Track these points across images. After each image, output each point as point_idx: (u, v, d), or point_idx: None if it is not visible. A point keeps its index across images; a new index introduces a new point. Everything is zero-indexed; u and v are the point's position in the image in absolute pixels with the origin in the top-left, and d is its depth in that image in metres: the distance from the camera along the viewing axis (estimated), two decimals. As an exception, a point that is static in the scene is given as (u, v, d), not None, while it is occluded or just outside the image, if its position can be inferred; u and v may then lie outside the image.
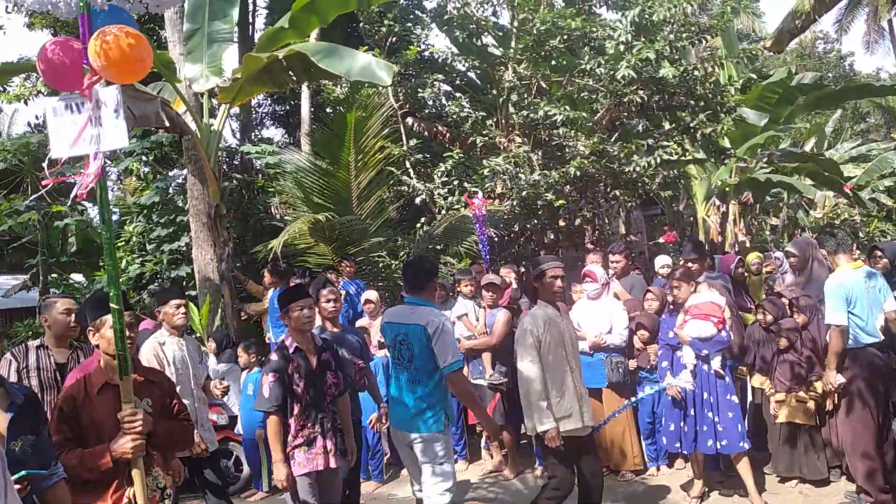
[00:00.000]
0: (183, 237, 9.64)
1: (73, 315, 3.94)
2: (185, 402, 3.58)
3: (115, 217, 14.55)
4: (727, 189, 13.91)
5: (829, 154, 18.60)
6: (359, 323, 6.85)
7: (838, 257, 4.74)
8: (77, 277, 13.70)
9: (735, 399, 4.91)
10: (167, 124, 6.70)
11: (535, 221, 9.81)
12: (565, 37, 9.05)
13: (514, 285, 6.91)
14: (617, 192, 9.56)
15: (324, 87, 10.35)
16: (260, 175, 10.88)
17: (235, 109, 7.89)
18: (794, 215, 19.26)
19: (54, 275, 11.66)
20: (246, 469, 6.31)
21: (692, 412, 4.86)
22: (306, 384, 3.80)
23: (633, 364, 5.60)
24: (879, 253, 5.46)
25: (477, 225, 7.56)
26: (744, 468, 4.75)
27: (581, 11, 9.46)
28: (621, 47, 8.86)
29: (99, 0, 2.52)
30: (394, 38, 10.44)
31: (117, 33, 2.40)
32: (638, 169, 8.85)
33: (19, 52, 40.19)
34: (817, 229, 15.19)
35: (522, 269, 8.08)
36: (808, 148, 18.41)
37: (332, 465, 3.84)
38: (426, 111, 10.97)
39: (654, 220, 15.47)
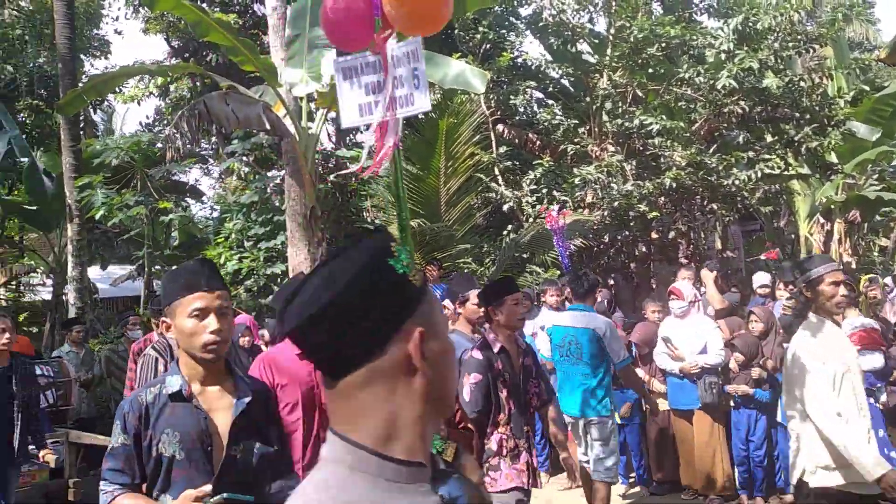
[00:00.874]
0: (279, 236, 9.98)
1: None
2: None
3: (215, 214, 15.30)
4: (833, 206, 13.16)
5: (949, 172, 17.29)
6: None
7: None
8: (176, 270, 14.46)
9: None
10: (268, 127, 6.95)
11: (627, 233, 9.61)
12: (663, 45, 8.84)
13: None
14: (714, 206, 9.24)
15: (417, 93, 10.49)
16: (353, 178, 11.14)
17: (332, 113, 8.12)
18: (907, 236, 18.02)
19: (157, 266, 12.34)
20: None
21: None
22: (510, 391, 3.40)
23: (733, 388, 5.35)
24: None
25: (555, 237, 7.49)
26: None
27: (681, 19, 9.23)
28: (722, 56, 8.56)
29: None
30: (487, 45, 10.49)
31: None
32: (737, 182, 8.53)
33: (135, 56, 42.94)
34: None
35: (612, 282, 7.92)
36: (924, 165, 17.18)
37: (535, 485, 3.49)
38: (517, 118, 10.95)
39: (752, 236, 14.85)
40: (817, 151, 9.05)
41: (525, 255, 9.42)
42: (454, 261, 9.20)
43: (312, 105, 8.12)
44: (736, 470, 5.48)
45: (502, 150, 10.44)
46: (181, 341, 2.11)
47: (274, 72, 7.48)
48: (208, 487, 1.90)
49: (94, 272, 14.10)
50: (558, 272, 8.52)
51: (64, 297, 12.70)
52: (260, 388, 2.25)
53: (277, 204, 10.16)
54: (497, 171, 10.29)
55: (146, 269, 11.04)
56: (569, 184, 9.25)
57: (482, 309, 3.68)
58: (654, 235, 9.78)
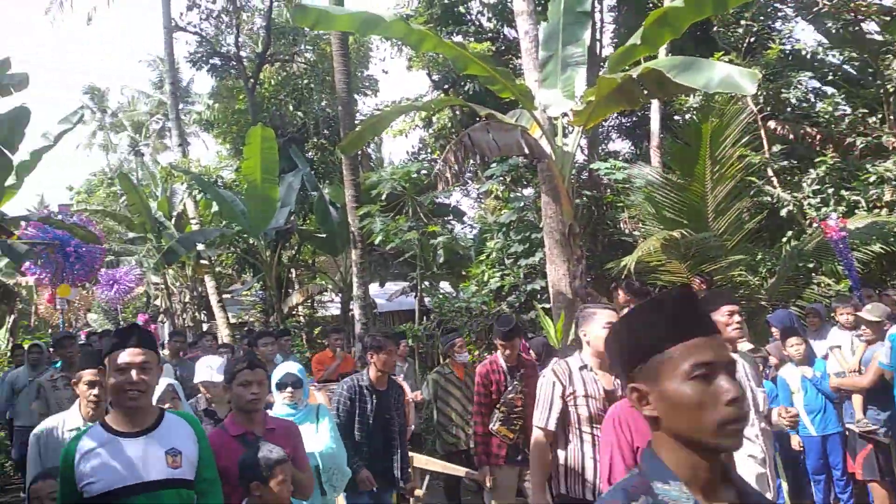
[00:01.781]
0: (538, 253, 10.14)
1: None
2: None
3: (475, 231, 16.04)
4: None
5: None
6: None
7: None
8: (444, 285, 15.38)
9: None
10: (526, 151, 7.11)
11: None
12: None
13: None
14: None
15: (675, 98, 10.02)
16: (608, 190, 10.95)
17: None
18: None
19: (426, 283, 13.25)
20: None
21: None
22: None
23: None
24: None
25: (837, 251, 6.61)
26: None
27: None
28: None
29: None
30: (751, 38, 9.65)
31: None
32: None
33: (399, 90, 46.93)
34: None
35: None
36: None
37: None
38: (790, 112, 9.92)
39: None
40: None
41: (810, 265, 8.46)
42: (725, 273, 8.56)
43: (564, 121, 8.14)
44: None
45: (775, 148, 9.50)
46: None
47: (529, 95, 7.64)
48: None
49: (373, 289, 15.57)
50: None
51: (350, 313, 14.21)
52: None
53: (535, 221, 10.35)
54: (770, 173, 9.40)
55: (419, 287, 11.89)
56: (860, 181, 8.13)
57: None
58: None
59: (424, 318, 12.06)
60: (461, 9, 14.06)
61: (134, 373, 2.55)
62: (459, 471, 5.63)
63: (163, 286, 20.64)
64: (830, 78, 9.70)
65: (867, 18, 8.87)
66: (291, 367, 3.96)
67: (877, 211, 7.96)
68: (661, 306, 1.41)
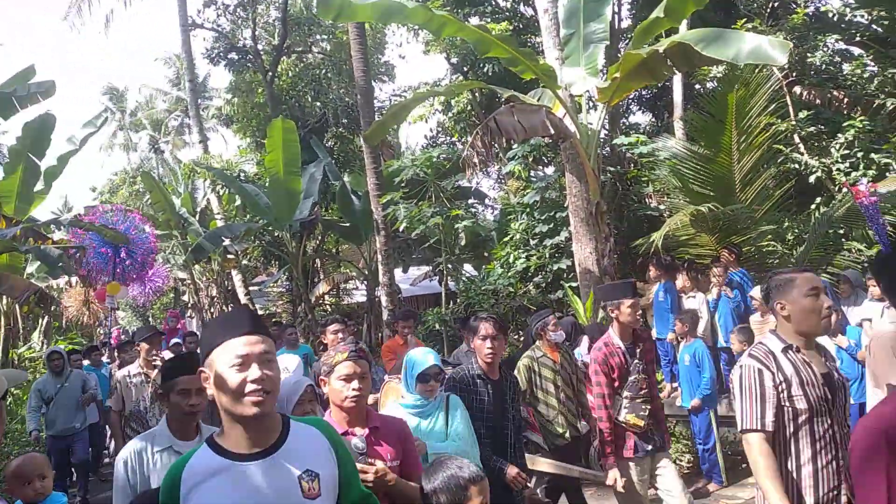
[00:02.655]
0: (562, 232, 10.13)
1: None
2: None
3: (495, 213, 16.05)
4: None
5: None
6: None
7: None
8: (468, 268, 15.42)
9: None
10: (552, 132, 7.09)
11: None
12: None
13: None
14: None
15: (698, 69, 9.90)
16: (632, 165, 10.88)
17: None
18: None
19: (449, 266, 13.30)
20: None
21: None
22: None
23: None
24: None
25: (868, 216, 6.52)
26: None
27: None
28: None
29: None
30: (775, 2, 9.49)
31: None
32: None
33: (415, 75, 46.75)
34: None
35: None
36: None
37: None
38: (815, 76, 9.77)
39: None
40: None
41: (840, 231, 8.37)
42: (754, 244, 8.50)
43: (585, 98, 8.11)
44: None
45: (802, 114, 9.38)
46: None
47: (552, 74, 7.61)
48: None
49: (397, 274, 15.66)
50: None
51: (376, 300, 14.31)
52: None
53: (558, 200, 10.32)
54: (797, 139, 9.28)
55: (444, 271, 11.94)
56: (890, 143, 8.01)
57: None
58: None
59: (451, 301, 12.11)
60: (478, -11, 13.97)
61: (255, 367, 1.90)
62: (573, 470, 4.95)
63: (189, 282, 20.88)
64: (858, 39, 9.52)
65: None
66: (430, 355, 3.43)
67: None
68: None
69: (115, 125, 38.48)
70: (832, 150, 8.66)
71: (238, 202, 16.72)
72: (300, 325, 14.43)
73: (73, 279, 15.94)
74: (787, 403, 2.68)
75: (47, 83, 9.29)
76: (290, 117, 15.16)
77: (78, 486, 8.04)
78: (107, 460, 9.77)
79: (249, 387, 1.86)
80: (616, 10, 14.74)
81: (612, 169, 10.53)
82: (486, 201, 16.61)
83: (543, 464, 4.85)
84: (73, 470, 8.10)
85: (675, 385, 7.47)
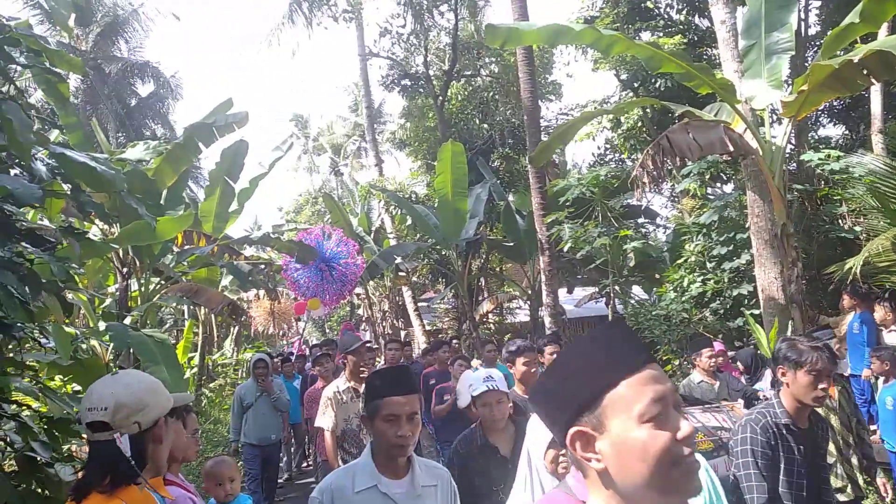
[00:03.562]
0: (743, 254, 9.49)
1: None
2: None
3: (667, 231, 15.39)
4: None
5: None
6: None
7: None
8: (636, 290, 14.88)
9: None
10: (731, 149, 6.68)
11: None
12: None
13: None
14: None
15: (902, 76, 8.90)
16: (823, 183, 9.98)
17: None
18: None
19: (616, 288, 12.92)
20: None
21: None
22: None
23: None
24: None
25: None
26: None
27: None
28: None
29: None
30: None
31: None
32: None
33: (582, 92, 46.39)
34: None
35: None
36: None
37: None
38: None
39: None
40: None
41: None
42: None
43: (767, 112, 7.56)
44: None
45: None
46: None
47: (731, 88, 7.19)
48: None
49: (561, 295, 15.48)
50: None
51: (539, 320, 14.22)
52: None
53: (739, 221, 9.69)
54: None
55: (611, 294, 11.62)
56: None
57: None
58: None
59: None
60: (648, 3, 13.58)
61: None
62: None
63: (364, 296, 22.02)
64: None
65: None
66: None
67: None
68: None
69: (299, 150, 41.74)
70: None
71: (409, 222, 17.42)
72: (465, 343, 14.71)
73: (261, 292, 17.36)
74: None
75: (241, 114, 10.22)
76: (459, 139, 15.60)
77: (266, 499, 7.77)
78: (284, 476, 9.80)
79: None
80: (803, 16, 13.68)
81: (799, 187, 9.74)
82: (658, 220, 16.01)
83: None
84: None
85: (873, 428, 6.71)
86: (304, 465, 10.76)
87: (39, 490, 2.70)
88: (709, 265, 10.05)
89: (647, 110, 12.77)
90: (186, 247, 10.65)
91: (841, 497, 4.00)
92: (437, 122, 18.56)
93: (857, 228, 9.33)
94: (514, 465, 2.70)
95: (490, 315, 19.04)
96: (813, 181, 10.12)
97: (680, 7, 13.60)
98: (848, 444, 4.26)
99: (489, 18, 19.34)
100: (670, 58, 6.78)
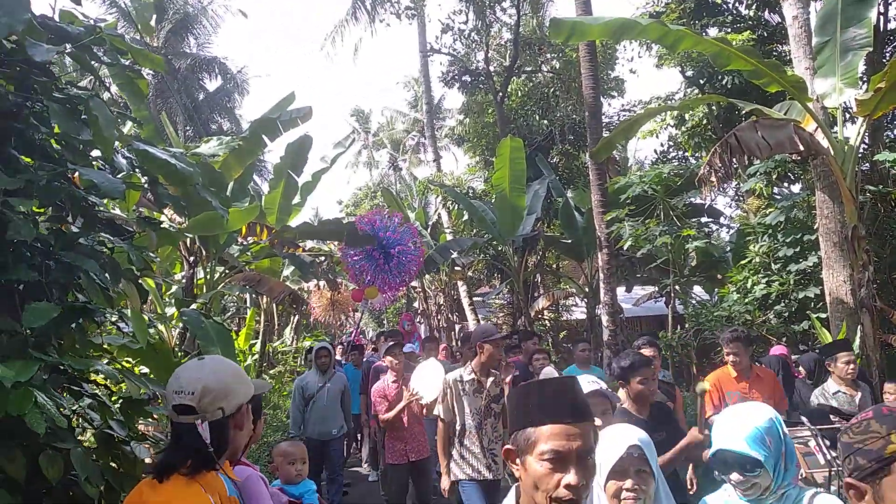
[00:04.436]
0: (810, 256, 9.21)
1: None
2: None
3: (730, 231, 15.02)
4: None
5: None
6: None
7: None
8: (697, 290, 14.56)
9: None
10: (801, 148, 6.48)
11: None
12: None
13: None
14: None
15: None
16: (897, 184, 9.59)
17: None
18: None
19: (677, 288, 12.67)
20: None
21: None
22: None
23: None
24: None
25: None
26: None
27: None
28: None
29: None
30: None
31: None
32: None
33: (645, 89, 45.55)
34: None
35: None
36: None
37: None
38: None
39: None
40: None
41: None
42: None
43: (839, 111, 7.31)
44: None
45: None
46: None
47: (802, 86, 6.98)
48: None
49: (619, 293, 15.27)
50: None
51: (596, 318, 14.07)
52: None
53: (807, 222, 9.40)
54: None
55: (672, 293, 11.40)
56: None
57: None
58: None
59: (678, 325, 11.52)
60: (717, -2, 13.28)
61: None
62: None
63: (420, 290, 22.20)
64: None
65: None
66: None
67: None
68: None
69: (359, 145, 42.26)
70: None
71: (466, 217, 17.47)
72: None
73: (321, 283, 17.69)
74: None
75: (305, 108, 10.40)
76: (518, 135, 15.54)
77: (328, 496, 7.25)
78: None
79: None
80: (882, 10, 13.10)
81: (872, 188, 9.37)
82: (721, 220, 15.61)
83: None
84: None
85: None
86: (353, 447, 10.78)
87: (115, 466, 2.85)
88: (774, 267, 9.79)
89: (713, 108, 12.46)
90: (249, 238, 10.94)
91: None
92: (496, 118, 18.53)
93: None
94: None
95: (545, 312, 18.93)
96: (887, 182, 9.73)
97: (749, 2, 13.21)
98: None
99: (551, 14, 19.14)
100: (739, 54, 6.62)
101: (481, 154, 19.55)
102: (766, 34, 12.76)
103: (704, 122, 12.68)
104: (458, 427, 4.80)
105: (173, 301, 8.74)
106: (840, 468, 1.99)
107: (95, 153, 2.96)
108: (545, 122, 18.32)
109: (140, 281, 3.32)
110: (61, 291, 2.76)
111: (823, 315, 8.30)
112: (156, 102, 22.97)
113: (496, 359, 4.85)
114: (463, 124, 20.83)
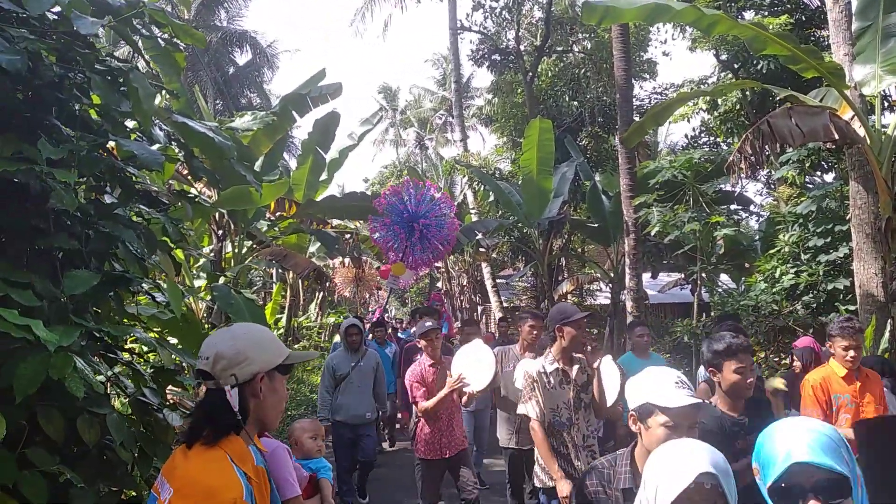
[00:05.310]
0: (841, 247, 9.07)
1: None
2: None
3: (759, 219, 14.80)
4: None
5: None
6: None
7: None
8: (724, 278, 14.42)
9: None
10: (836, 137, 6.36)
11: None
12: None
13: None
14: None
15: None
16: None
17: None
18: None
19: (703, 275, 12.56)
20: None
21: None
22: None
23: None
24: None
25: None
26: None
27: None
28: None
29: None
30: None
31: None
32: None
33: (678, 72, 44.87)
34: None
35: None
36: None
37: None
38: None
39: None
40: None
41: None
42: None
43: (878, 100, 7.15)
44: None
45: None
46: None
47: (840, 73, 6.84)
48: None
49: (644, 279, 15.19)
50: None
51: (620, 304, 14.01)
52: None
53: (839, 212, 9.25)
54: None
55: (698, 281, 11.31)
56: None
57: None
58: None
59: (703, 313, 11.44)
60: (753, -19, 12.99)
61: None
62: None
63: (444, 270, 22.27)
64: None
65: None
66: None
67: None
68: None
69: (386, 122, 42.24)
70: None
71: (492, 198, 17.43)
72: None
73: (346, 259, 17.84)
74: None
75: (335, 85, 10.41)
76: (547, 116, 15.42)
77: (357, 487, 6.85)
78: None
79: None
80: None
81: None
82: (752, 208, 15.41)
83: None
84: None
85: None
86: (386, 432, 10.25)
87: (148, 433, 2.93)
88: (803, 257, 9.66)
89: (747, 93, 12.24)
90: (277, 213, 11.05)
91: None
92: (525, 98, 18.40)
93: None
94: None
95: (569, 296, 18.90)
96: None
97: (789, -16, 12.94)
98: None
99: (584, -7, 18.87)
100: (775, 39, 6.50)
101: (509, 135, 19.45)
102: (804, 18, 12.49)
103: (738, 107, 12.47)
104: (545, 425, 4.22)
105: (201, 274, 8.87)
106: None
107: (131, 124, 3.02)
108: (575, 103, 18.16)
109: (171, 253, 3.39)
110: (99, 260, 2.82)
111: (852, 307, 8.21)
112: (186, 76, 23.14)
113: (579, 342, 4.26)
114: (491, 104, 20.73)
